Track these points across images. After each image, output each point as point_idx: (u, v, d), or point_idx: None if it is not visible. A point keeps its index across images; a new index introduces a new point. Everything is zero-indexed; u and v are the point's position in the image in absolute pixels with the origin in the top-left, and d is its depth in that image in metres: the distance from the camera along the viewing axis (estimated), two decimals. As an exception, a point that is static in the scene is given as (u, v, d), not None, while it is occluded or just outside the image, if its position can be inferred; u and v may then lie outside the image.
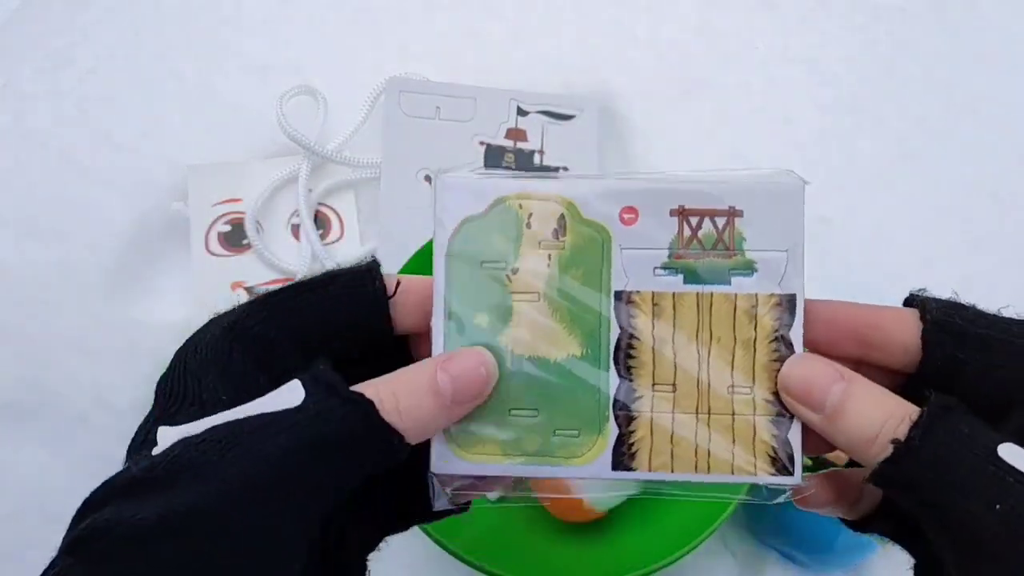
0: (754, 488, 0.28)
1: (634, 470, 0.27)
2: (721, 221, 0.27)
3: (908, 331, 0.27)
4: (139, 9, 0.68)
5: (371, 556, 0.29)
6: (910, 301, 0.29)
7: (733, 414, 0.27)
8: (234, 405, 0.24)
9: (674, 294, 0.27)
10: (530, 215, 0.27)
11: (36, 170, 0.62)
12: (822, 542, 0.50)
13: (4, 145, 0.63)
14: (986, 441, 0.24)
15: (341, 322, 0.27)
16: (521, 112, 0.63)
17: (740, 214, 0.27)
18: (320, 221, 0.63)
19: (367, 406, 0.24)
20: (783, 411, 0.27)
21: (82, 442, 0.55)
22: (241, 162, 0.63)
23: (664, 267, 0.27)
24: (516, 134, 0.63)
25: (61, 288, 0.58)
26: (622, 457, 0.27)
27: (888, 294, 0.30)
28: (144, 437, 0.25)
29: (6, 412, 0.56)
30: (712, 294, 0.27)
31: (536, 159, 0.62)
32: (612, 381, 0.27)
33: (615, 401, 0.27)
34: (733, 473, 0.27)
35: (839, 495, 0.29)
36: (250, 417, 0.24)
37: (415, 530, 0.45)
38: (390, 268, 0.28)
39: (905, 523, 0.28)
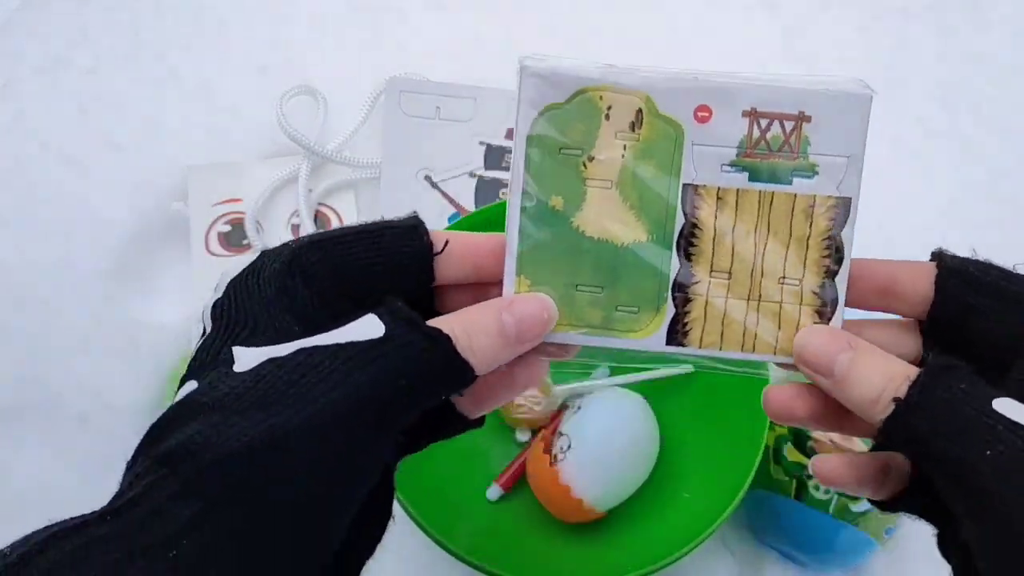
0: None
1: (686, 346, 0.30)
2: (789, 125, 0.29)
3: (925, 280, 0.29)
4: (139, 9, 0.68)
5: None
6: (933, 257, 0.30)
7: (781, 302, 0.30)
8: (307, 335, 0.26)
9: (738, 190, 0.29)
10: (609, 107, 0.29)
11: (36, 170, 0.62)
12: (822, 542, 0.50)
13: (4, 145, 0.63)
14: (982, 396, 0.26)
15: (389, 271, 0.28)
16: (521, 112, 0.63)
17: (808, 119, 0.29)
18: (320, 221, 0.63)
19: (446, 342, 0.26)
20: (824, 305, 0.30)
21: (82, 442, 0.55)
22: (241, 162, 0.63)
23: (731, 164, 0.29)
24: (516, 134, 0.63)
25: (61, 288, 0.58)
26: (676, 334, 0.30)
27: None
28: (214, 357, 0.26)
29: (6, 412, 0.55)
30: (774, 192, 0.29)
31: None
32: (673, 265, 0.30)
33: (674, 284, 0.30)
34: (775, 353, 0.30)
35: (859, 478, 0.31)
36: (339, 345, 0.25)
37: (415, 530, 0.46)
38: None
39: (931, 498, 0.29)
